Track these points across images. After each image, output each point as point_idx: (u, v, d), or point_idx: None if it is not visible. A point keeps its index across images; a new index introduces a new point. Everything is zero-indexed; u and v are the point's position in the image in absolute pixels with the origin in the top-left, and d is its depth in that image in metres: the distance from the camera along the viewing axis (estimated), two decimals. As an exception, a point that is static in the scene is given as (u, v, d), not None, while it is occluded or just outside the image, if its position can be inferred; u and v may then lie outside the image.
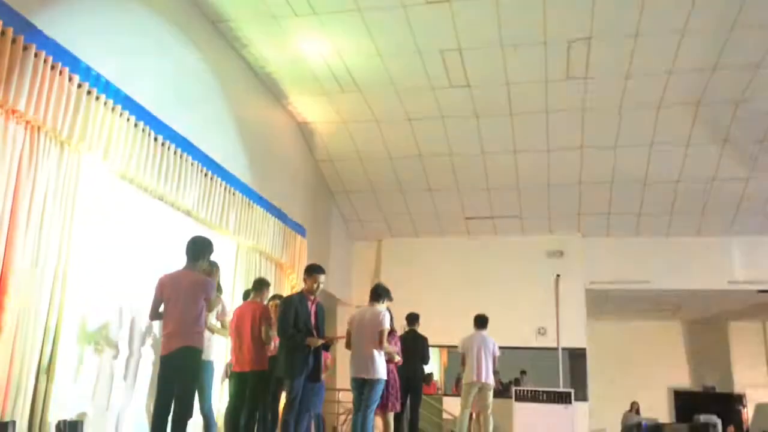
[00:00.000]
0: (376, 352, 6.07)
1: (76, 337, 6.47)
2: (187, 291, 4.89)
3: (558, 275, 14.39)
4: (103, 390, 6.75)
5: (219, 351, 8.79)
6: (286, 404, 5.87)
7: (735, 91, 10.78)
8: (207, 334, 5.25)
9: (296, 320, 5.95)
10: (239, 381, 6.39)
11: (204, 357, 5.16)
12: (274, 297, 7.32)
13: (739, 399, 16.36)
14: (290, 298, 6.26)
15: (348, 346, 6.34)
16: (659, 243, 14.28)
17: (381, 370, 6.07)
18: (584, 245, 14.55)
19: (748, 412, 15.98)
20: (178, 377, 4.72)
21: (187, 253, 5.11)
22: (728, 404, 15.95)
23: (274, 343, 6.88)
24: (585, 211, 14.06)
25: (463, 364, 8.80)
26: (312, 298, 6.18)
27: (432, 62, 10.41)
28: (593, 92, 11.01)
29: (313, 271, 6.32)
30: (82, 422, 6.21)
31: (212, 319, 5.33)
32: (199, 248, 5.15)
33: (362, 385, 6.09)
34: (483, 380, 8.48)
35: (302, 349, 5.91)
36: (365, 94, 11.41)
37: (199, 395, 5.14)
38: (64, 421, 6.00)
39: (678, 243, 14.18)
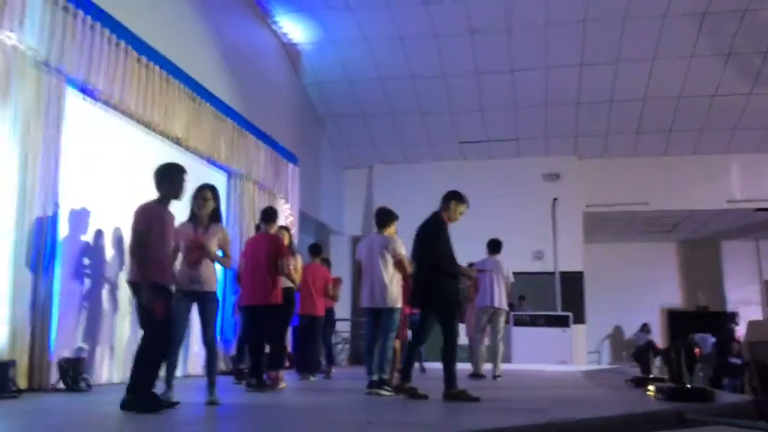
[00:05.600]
0: (388, 280, 5.81)
1: (73, 272, 6.13)
2: (134, 221, 4.42)
3: (555, 198, 14.17)
4: (106, 325, 6.47)
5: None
6: (455, 341, 5.45)
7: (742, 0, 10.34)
8: (210, 264, 4.88)
9: None
10: (251, 314, 6.12)
11: (209, 288, 4.81)
12: (281, 228, 6.97)
13: (731, 317, 16.55)
14: (444, 222, 5.58)
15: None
16: (657, 162, 14.06)
17: (397, 299, 5.83)
18: (581, 167, 14.30)
19: (740, 330, 16.19)
20: (141, 311, 4.36)
21: (154, 182, 4.56)
22: (721, 322, 16.11)
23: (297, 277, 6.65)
24: (582, 132, 13.74)
25: (476, 288, 8.58)
26: None
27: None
28: (595, 3, 10.51)
29: (463, 199, 5.70)
30: (84, 359, 5.94)
31: (216, 250, 4.94)
32: (163, 176, 4.54)
33: (376, 315, 5.85)
34: (496, 305, 8.29)
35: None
36: (354, 10, 10.80)
37: (203, 326, 4.82)
38: (66, 358, 5.74)
39: (676, 162, 13.96)
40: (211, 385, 4.77)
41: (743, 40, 11.18)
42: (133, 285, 4.36)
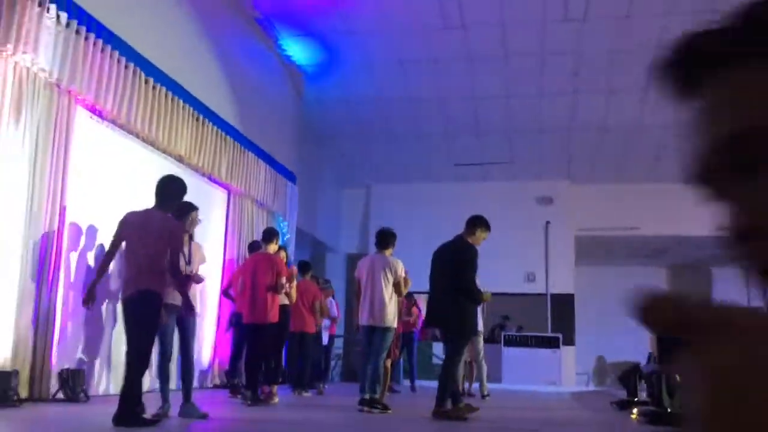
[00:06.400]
0: (387, 300, 5.98)
1: (75, 286, 6.32)
2: (161, 235, 4.46)
3: (548, 222, 14.41)
4: (105, 337, 6.64)
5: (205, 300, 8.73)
6: (459, 362, 5.76)
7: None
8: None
9: None
10: (252, 332, 6.30)
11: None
12: (280, 248, 7.18)
13: (719, 342, 16.72)
14: (474, 248, 5.78)
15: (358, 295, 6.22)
16: (648, 189, 14.32)
17: (393, 319, 6.02)
18: (574, 192, 14.56)
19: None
20: (134, 323, 4.37)
21: (157, 194, 4.65)
22: (708, 347, 16.29)
23: (294, 294, 6.88)
24: (575, 157, 14.01)
25: None
26: None
27: (427, 2, 10.12)
28: (590, 34, 10.81)
29: (488, 227, 5.88)
30: (83, 370, 6.12)
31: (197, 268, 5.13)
32: (171, 190, 4.67)
33: (372, 333, 6.03)
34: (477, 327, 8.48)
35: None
36: (356, 35, 11.08)
37: (183, 340, 4.97)
38: (67, 369, 5.91)
39: (667, 188, 14.17)
40: (187, 396, 4.89)
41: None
42: (145, 296, 4.39)
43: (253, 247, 7.96)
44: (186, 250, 5.08)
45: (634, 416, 6.37)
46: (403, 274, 6.15)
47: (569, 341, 13.75)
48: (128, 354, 4.39)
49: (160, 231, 4.45)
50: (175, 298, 4.85)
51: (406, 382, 10.12)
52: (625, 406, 7.39)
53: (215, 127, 9.03)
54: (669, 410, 6.30)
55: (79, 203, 6.36)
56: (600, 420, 6.34)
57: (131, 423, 4.13)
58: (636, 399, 7.54)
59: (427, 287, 12.53)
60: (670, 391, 6.59)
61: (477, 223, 5.85)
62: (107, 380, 6.68)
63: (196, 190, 7.98)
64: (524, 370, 12.62)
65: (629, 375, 7.72)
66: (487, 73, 11.96)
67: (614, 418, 6.54)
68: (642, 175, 14.25)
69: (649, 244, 15.59)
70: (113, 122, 7.03)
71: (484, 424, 5.33)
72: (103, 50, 6.65)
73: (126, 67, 7.04)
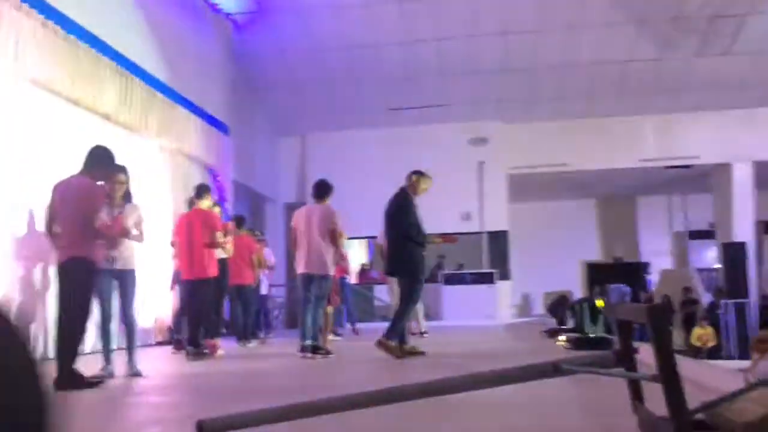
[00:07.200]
0: (324, 249, 6.20)
1: (6, 254, 6.27)
2: (78, 199, 4.57)
3: (482, 162, 14.78)
4: (39, 303, 6.64)
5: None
6: (413, 304, 6.16)
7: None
8: (129, 243, 5.07)
9: None
10: (191, 288, 6.42)
11: (128, 266, 5.02)
12: (214, 204, 7.25)
13: (644, 267, 17.72)
14: (410, 196, 6.21)
15: (294, 244, 6.40)
16: (576, 126, 14.80)
17: (330, 266, 6.27)
18: (505, 132, 14.91)
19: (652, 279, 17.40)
20: (68, 290, 4.47)
21: (84, 161, 4.74)
22: (635, 273, 17.24)
23: (230, 248, 6.98)
24: (507, 97, 14.30)
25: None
26: None
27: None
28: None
29: (425, 175, 6.34)
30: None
31: (132, 228, 5.09)
32: (94, 158, 4.75)
33: (310, 281, 6.24)
34: None
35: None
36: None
37: (122, 303, 5.01)
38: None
39: (594, 125, 14.74)
40: (131, 357, 4.98)
41: (654, 7, 11.90)
42: (75, 262, 4.49)
43: (192, 203, 7.98)
44: (116, 212, 5.02)
45: (561, 342, 6.83)
46: (339, 223, 6.36)
47: (505, 276, 14.34)
48: (60, 318, 4.49)
49: (78, 196, 4.54)
50: (110, 262, 4.91)
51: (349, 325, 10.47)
52: (553, 333, 7.88)
53: (142, 82, 8.87)
54: (591, 335, 6.79)
55: (2, 167, 6.23)
56: (528, 348, 6.78)
57: (73, 385, 4.18)
58: (564, 327, 8.04)
59: (364, 233, 12.73)
60: (592, 318, 7.07)
61: (414, 173, 6.33)
62: (44, 344, 6.70)
63: (127, 148, 7.94)
64: (463, 307, 13.14)
65: (558, 305, 8.20)
66: (420, 16, 12.01)
67: (542, 345, 7.00)
68: (571, 112, 14.68)
69: (578, 178, 16.21)
70: (35, 82, 6.85)
71: (417, 359, 5.67)
72: (20, 9, 6.44)
73: (44, 25, 6.83)
